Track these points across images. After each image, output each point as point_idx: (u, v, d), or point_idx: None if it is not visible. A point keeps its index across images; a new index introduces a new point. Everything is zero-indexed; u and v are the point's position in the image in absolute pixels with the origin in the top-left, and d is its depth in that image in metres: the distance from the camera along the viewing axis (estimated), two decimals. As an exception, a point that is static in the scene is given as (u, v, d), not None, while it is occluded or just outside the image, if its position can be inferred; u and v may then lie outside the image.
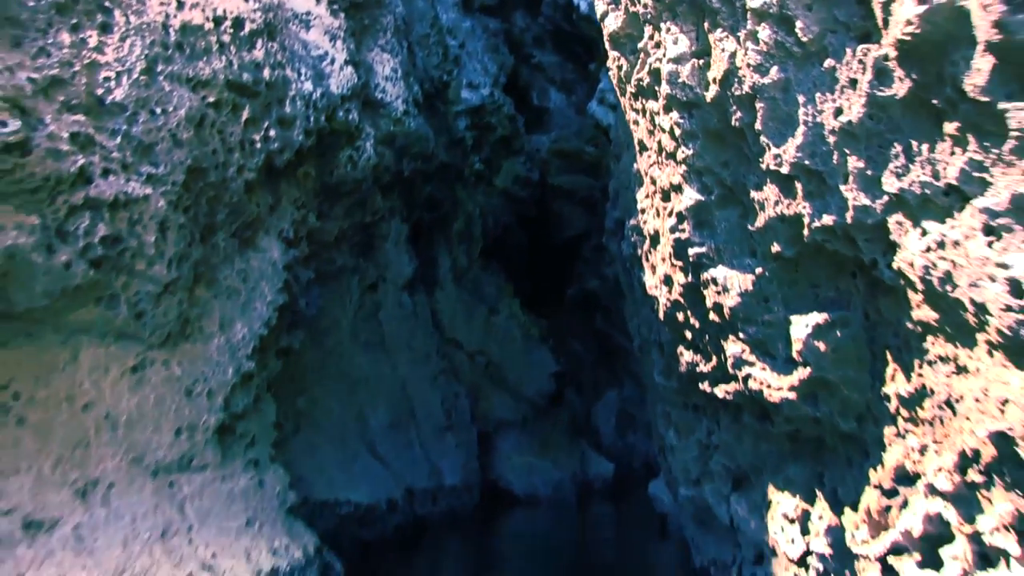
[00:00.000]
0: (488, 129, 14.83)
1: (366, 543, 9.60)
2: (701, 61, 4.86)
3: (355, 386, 10.76)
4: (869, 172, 3.90)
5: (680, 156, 5.16)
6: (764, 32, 4.18)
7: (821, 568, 5.48)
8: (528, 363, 13.81)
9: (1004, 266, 3.31)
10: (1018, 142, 3.11)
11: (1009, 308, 3.32)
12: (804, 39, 3.98)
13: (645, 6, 5.19)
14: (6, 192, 5.40)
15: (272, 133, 7.95)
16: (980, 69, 3.11)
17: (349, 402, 10.60)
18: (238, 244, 7.64)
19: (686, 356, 6.04)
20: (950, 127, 3.45)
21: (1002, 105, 3.10)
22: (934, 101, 3.46)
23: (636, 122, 5.94)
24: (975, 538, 4.24)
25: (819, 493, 5.36)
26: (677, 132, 5.11)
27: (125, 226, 6.11)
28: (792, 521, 5.69)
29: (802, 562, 5.67)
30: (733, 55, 4.47)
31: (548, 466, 13.46)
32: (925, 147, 3.61)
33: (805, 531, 5.58)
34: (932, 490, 4.40)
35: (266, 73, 7.91)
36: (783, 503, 5.75)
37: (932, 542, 4.50)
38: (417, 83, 11.62)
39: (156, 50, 6.73)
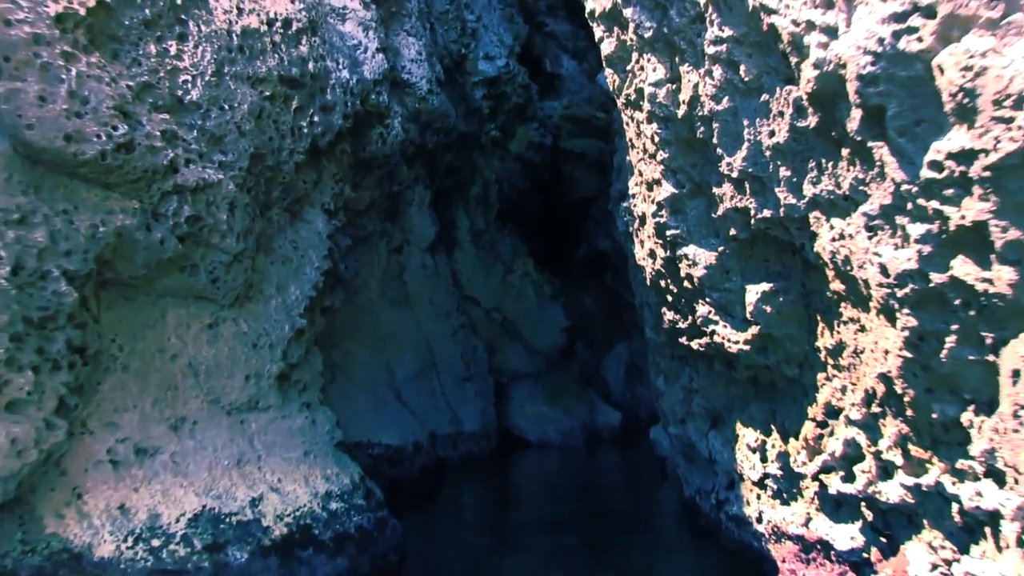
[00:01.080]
0: (504, 98, 16.18)
1: (395, 480, 11.19)
2: (673, 86, 6.25)
3: (383, 340, 12.32)
4: (794, 179, 5.33)
5: (659, 157, 6.59)
6: (717, 71, 5.57)
7: (775, 487, 7.02)
8: (541, 318, 15.35)
9: (877, 254, 4.76)
10: (880, 169, 4.54)
11: (881, 284, 4.78)
12: (746, 79, 5.37)
13: (631, 39, 6.57)
14: (116, 183, 6.88)
15: (316, 119, 9.38)
16: (853, 117, 4.52)
17: (378, 354, 12.16)
18: (289, 217, 9.13)
19: (668, 315, 7.52)
20: (844, 152, 4.87)
21: (869, 144, 4.52)
22: (832, 133, 4.87)
23: (627, 124, 7.35)
24: (877, 456, 5.74)
25: (773, 427, 6.88)
26: (656, 139, 6.53)
27: (203, 207, 7.59)
28: (754, 451, 7.21)
29: (761, 483, 7.21)
30: (696, 85, 5.86)
31: (559, 415, 15.04)
32: (830, 165, 5.04)
33: (763, 458, 7.11)
34: (849, 421, 5.90)
35: (311, 66, 9.30)
36: (747, 436, 7.27)
37: (850, 461, 6.02)
38: (439, 61, 12.99)
39: (223, 54, 8.14)
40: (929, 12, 4.16)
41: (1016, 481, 4.51)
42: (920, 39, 4.21)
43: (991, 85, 3.86)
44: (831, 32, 4.61)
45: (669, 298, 7.39)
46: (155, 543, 6.44)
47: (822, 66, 4.66)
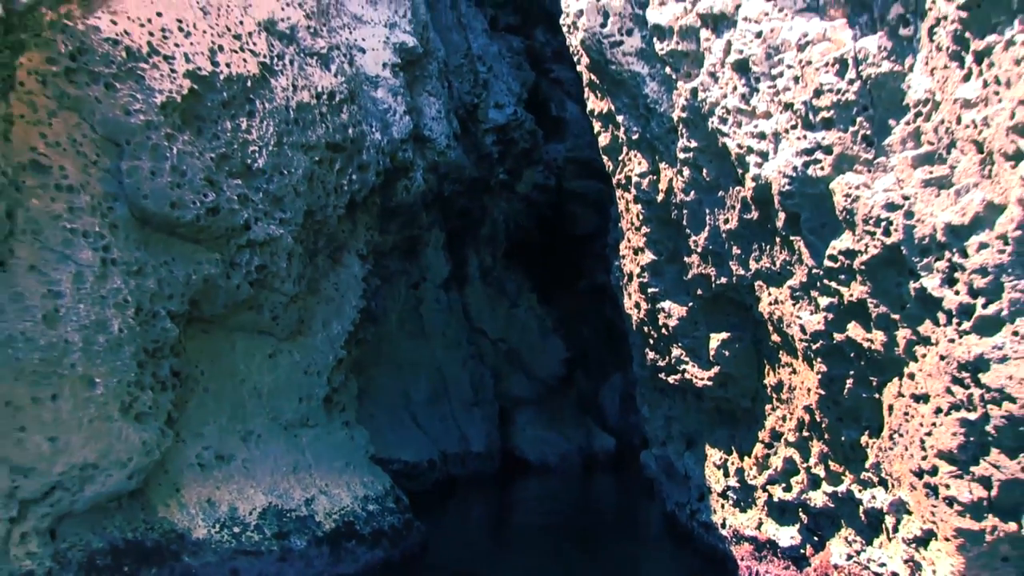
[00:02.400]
0: (512, 143, 18.22)
1: (412, 493, 13.09)
2: (654, 178, 8.25)
3: (401, 367, 14.27)
4: (743, 256, 7.33)
5: (643, 231, 8.59)
6: (686, 171, 7.57)
7: (734, 497, 8.97)
8: (543, 349, 17.32)
9: (799, 317, 6.75)
10: (799, 255, 6.54)
11: (802, 339, 6.77)
12: (707, 178, 7.37)
13: (622, 137, 8.58)
14: (204, 239, 8.85)
15: (354, 177, 11.37)
16: (780, 217, 6.53)
17: (397, 380, 14.11)
18: (331, 263, 11.12)
19: (650, 355, 9.49)
20: (777, 240, 6.88)
21: (791, 237, 6.52)
22: (768, 225, 6.88)
23: (619, 199, 9.36)
24: (807, 470, 7.71)
25: (732, 448, 8.84)
26: (641, 216, 8.53)
27: (268, 257, 9.57)
28: (718, 467, 9.17)
29: (724, 495, 9.16)
30: (671, 179, 7.87)
31: (558, 439, 16.97)
32: (768, 248, 7.04)
33: (725, 474, 9.07)
34: (787, 442, 7.87)
35: (350, 131, 11.30)
36: (713, 456, 9.23)
37: (788, 474, 7.98)
38: (456, 117, 15.02)
39: (282, 126, 10.13)
40: (827, 150, 6.16)
41: (894, 485, 6.48)
42: (822, 168, 6.21)
43: (862, 208, 5.86)
44: (763, 156, 6.62)
45: (651, 341, 9.38)
46: (236, 530, 8.39)
47: (758, 180, 6.67)
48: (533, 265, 18.55)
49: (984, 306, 5.17)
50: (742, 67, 6.69)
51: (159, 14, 9.07)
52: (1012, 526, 5.28)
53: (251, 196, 9.49)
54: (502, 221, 17.62)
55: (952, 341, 5.40)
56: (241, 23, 10.09)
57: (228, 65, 9.52)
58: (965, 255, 5.25)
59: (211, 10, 9.76)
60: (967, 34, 5.15)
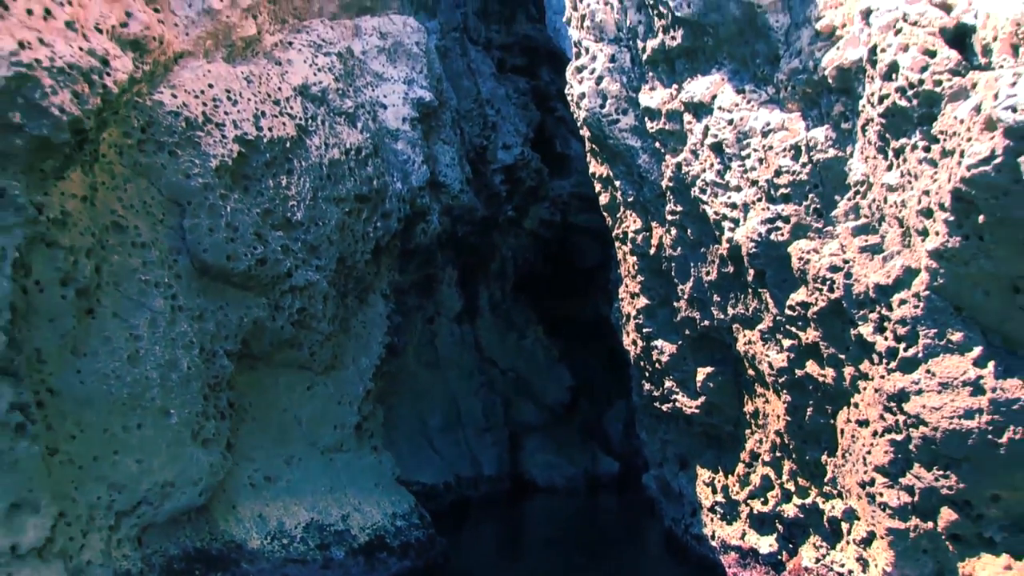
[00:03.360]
0: (519, 182, 19.81)
1: (431, 512, 14.61)
2: (647, 234, 9.85)
3: (419, 396, 15.80)
4: (722, 303, 8.91)
5: (638, 279, 10.18)
6: (674, 230, 9.17)
7: (721, 511, 10.49)
8: (549, 378, 18.86)
9: (767, 356, 8.32)
10: (766, 305, 8.12)
11: (770, 374, 8.34)
12: (691, 237, 8.98)
13: (619, 198, 10.19)
14: (253, 286, 10.43)
15: (379, 224, 12.96)
16: (749, 273, 8.12)
17: (414, 408, 15.65)
18: (359, 303, 12.70)
19: (647, 386, 11.04)
20: (749, 291, 8.45)
21: (759, 289, 8.11)
22: (742, 278, 8.46)
23: (618, 249, 10.97)
24: (781, 486, 9.25)
25: (719, 468, 10.38)
26: (636, 266, 10.13)
27: (307, 301, 11.15)
28: (707, 485, 10.71)
29: (712, 509, 10.68)
30: (661, 236, 9.46)
31: (564, 463, 18.46)
32: (742, 297, 8.61)
33: (713, 491, 10.60)
34: (763, 462, 9.42)
35: (375, 183, 12.90)
36: (703, 475, 10.77)
37: (765, 489, 9.51)
38: (468, 162, 16.64)
39: (317, 182, 11.72)
40: (786, 220, 7.75)
41: (846, 496, 8.01)
42: (782, 234, 7.80)
43: (812, 269, 7.44)
44: (735, 222, 8.22)
45: (647, 374, 10.94)
46: (284, 541, 9.94)
47: (731, 241, 8.27)
48: (540, 297, 20.11)
49: (905, 349, 6.74)
50: (717, 148, 8.30)
51: (211, 85, 10.70)
52: (930, 525, 6.82)
53: (292, 246, 11.08)
54: (510, 256, 19.20)
55: (883, 377, 6.97)
56: (279, 89, 11.74)
57: (270, 129, 11.14)
58: (890, 309, 6.82)
59: (254, 79, 11.41)
60: (887, 134, 6.74)
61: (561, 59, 23.74)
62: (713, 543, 10.67)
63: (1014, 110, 5.39)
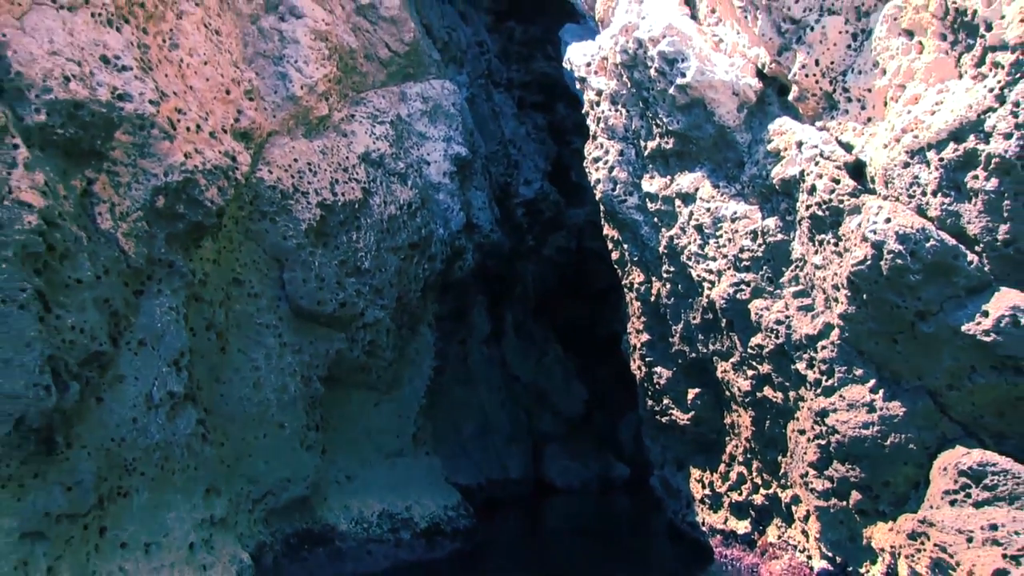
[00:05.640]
0: (539, 213, 23.41)
1: (466, 510, 18.23)
2: (648, 285, 13.44)
3: (454, 409, 19.36)
4: (705, 341, 12.51)
5: (641, 320, 13.82)
6: (668, 285, 12.78)
7: (709, 503, 14.09)
8: (567, 392, 22.48)
9: (736, 381, 11.94)
10: (734, 345, 11.72)
11: (737, 395, 11.95)
12: (682, 290, 12.59)
13: (626, 256, 13.84)
14: (334, 324, 14.03)
15: (426, 266, 16.56)
16: (722, 320, 11.71)
17: (450, 420, 19.22)
18: (411, 333, 16.32)
19: (649, 403, 14.64)
20: (723, 333, 12.05)
21: (730, 332, 11.70)
22: (719, 323, 12.07)
23: (626, 295, 14.60)
24: (751, 480, 12.85)
25: (707, 467, 13.99)
26: (639, 310, 13.76)
27: (375, 334, 14.76)
28: (698, 482, 14.31)
29: (702, 501, 14.28)
30: (659, 288, 13.08)
31: (580, 468, 22.05)
32: (719, 337, 12.22)
33: (703, 486, 14.20)
34: (738, 462, 13.02)
35: (423, 232, 16.50)
36: (695, 474, 14.38)
37: (740, 483, 13.11)
38: (496, 203, 20.25)
39: (379, 235, 15.30)
40: (748, 284, 11.35)
41: (793, 486, 11.60)
42: (744, 295, 11.39)
43: (764, 321, 11.04)
44: (712, 284, 11.84)
45: (649, 392, 14.55)
46: (365, 526, 13.58)
47: (709, 297, 11.89)
48: (557, 318, 23.72)
49: (826, 380, 10.33)
50: (699, 228, 11.91)
51: (295, 160, 14.28)
52: (844, 503, 10.40)
53: (362, 290, 14.68)
54: (531, 282, 22.80)
55: (812, 399, 10.56)
56: (347, 158, 15.33)
57: (343, 193, 14.73)
58: (816, 352, 10.42)
59: (327, 151, 15.01)
60: (813, 230, 10.34)
61: (576, 95, 27.35)
62: (703, 528, 14.25)
63: (874, 232, 9.01)
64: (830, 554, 10.76)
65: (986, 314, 8.56)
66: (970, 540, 8.53)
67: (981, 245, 8.68)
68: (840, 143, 10.20)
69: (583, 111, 14.75)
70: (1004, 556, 8.25)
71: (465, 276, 18.56)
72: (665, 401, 14.08)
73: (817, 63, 10.42)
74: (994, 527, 8.40)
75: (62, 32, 10.35)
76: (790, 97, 10.86)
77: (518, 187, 22.96)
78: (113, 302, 10.08)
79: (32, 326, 8.61)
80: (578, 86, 15.03)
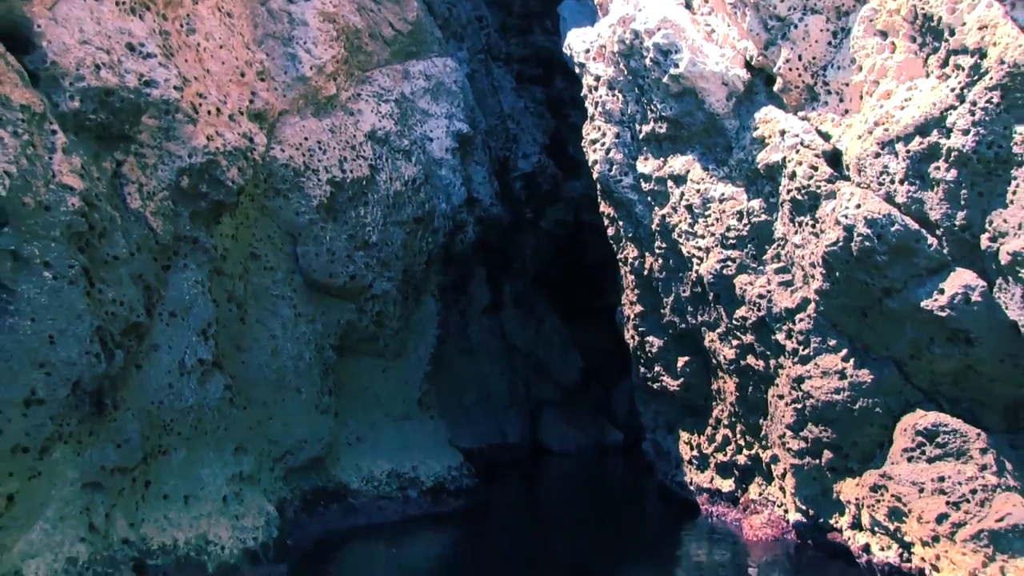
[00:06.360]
0: (537, 187, 24.46)
1: (466, 472, 19.44)
2: (642, 260, 14.55)
3: (455, 377, 20.53)
4: (693, 312, 13.65)
5: (635, 292, 14.95)
6: (660, 260, 13.91)
7: (696, 463, 15.30)
8: (564, 361, 23.68)
9: (722, 350, 13.10)
10: (720, 318, 12.87)
11: (722, 363, 13.11)
12: (673, 265, 13.70)
13: (621, 234, 14.94)
14: (345, 296, 15.13)
15: (429, 240, 17.64)
16: (710, 294, 12.85)
17: (452, 387, 20.39)
18: (416, 303, 17.44)
19: (642, 370, 15.80)
20: (711, 305, 13.20)
21: (716, 305, 12.85)
22: (706, 297, 13.21)
23: (621, 269, 15.71)
24: (735, 442, 14.05)
25: (695, 430, 15.19)
26: (633, 284, 14.88)
27: (383, 305, 15.87)
28: (687, 444, 15.52)
29: (690, 462, 15.49)
30: (652, 263, 14.19)
31: (576, 433, 23.28)
32: (706, 309, 13.35)
33: (691, 448, 15.40)
34: (724, 425, 14.22)
35: (427, 206, 17.56)
36: (684, 437, 15.58)
37: (724, 444, 14.30)
38: (496, 178, 21.31)
39: (385, 211, 16.37)
40: (733, 261, 12.47)
41: (772, 447, 12.78)
42: (730, 271, 12.52)
43: (748, 295, 12.17)
44: (700, 259, 12.96)
45: (642, 360, 15.72)
46: (375, 484, 14.78)
47: (698, 272, 13.01)
48: (555, 289, 24.86)
49: (803, 350, 11.48)
50: (689, 207, 13.02)
51: (306, 139, 15.30)
52: (817, 461, 11.59)
53: (370, 263, 15.77)
54: (529, 254, 23.91)
55: (791, 367, 11.72)
56: (354, 136, 16.36)
57: (351, 171, 15.78)
58: (794, 323, 11.56)
59: (336, 129, 16.03)
60: (793, 212, 11.44)
61: (574, 69, 28.31)
62: (691, 488, 15.47)
63: (846, 217, 10.13)
64: (804, 507, 11.97)
65: (942, 292, 9.70)
66: (921, 491, 9.75)
67: (941, 230, 9.81)
68: (819, 133, 11.29)
69: (582, 94, 15.77)
70: (947, 503, 9.48)
71: (466, 249, 19.64)
72: (656, 368, 15.25)
73: (800, 58, 11.49)
74: (942, 479, 9.62)
75: (90, 21, 11.27)
76: (775, 88, 11.93)
77: (517, 161, 23.98)
78: (146, 276, 11.14)
79: (81, 300, 9.66)
80: (577, 70, 16.01)
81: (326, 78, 16.14)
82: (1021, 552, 8.91)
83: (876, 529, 10.66)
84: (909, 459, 10.10)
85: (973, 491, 9.43)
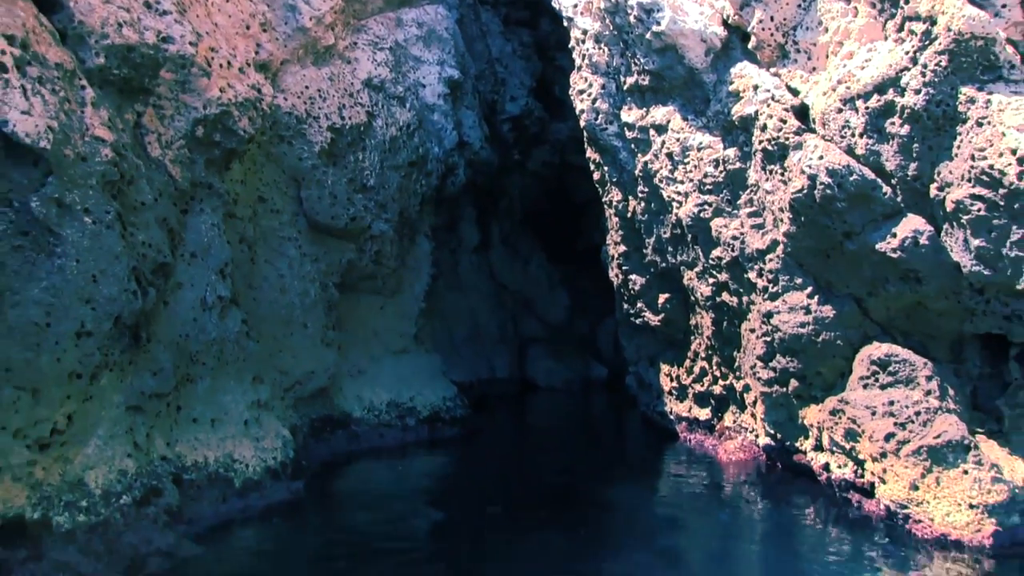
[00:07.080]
0: (524, 129, 25.56)
1: (458, 404, 20.84)
2: (625, 203, 15.78)
3: (446, 315, 21.85)
4: (673, 252, 14.95)
5: (619, 233, 16.20)
6: (642, 204, 15.15)
7: (676, 394, 16.72)
8: (551, 299, 25.04)
9: (699, 288, 14.44)
10: (698, 256, 14.18)
11: (700, 300, 14.45)
12: (654, 208, 14.96)
13: (606, 177, 16.16)
14: (346, 236, 16.33)
15: (423, 182, 18.80)
16: (689, 236, 14.13)
17: (443, 324, 21.71)
18: (411, 243, 18.67)
19: (625, 307, 17.12)
20: (689, 246, 14.50)
21: (695, 246, 14.14)
22: (685, 238, 14.51)
23: (606, 211, 16.95)
24: (711, 373, 15.44)
25: (675, 363, 16.58)
26: (617, 224, 16.14)
27: (381, 245, 17.09)
28: (667, 376, 16.92)
29: (670, 393, 16.91)
30: (634, 206, 15.42)
31: (562, 368, 24.70)
32: (686, 250, 14.65)
33: (671, 380, 16.81)
34: (701, 358, 15.61)
35: (420, 150, 18.69)
36: (664, 369, 16.97)
37: (701, 375, 15.70)
38: (485, 122, 22.43)
39: (383, 155, 17.51)
40: (710, 205, 13.74)
41: (744, 377, 14.17)
42: (707, 214, 13.79)
43: (723, 236, 13.47)
44: (680, 203, 14.22)
45: (625, 297, 17.05)
46: (376, 413, 16.16)
47: (677, 215, 14.28)
48: (542, 229, 26.10)
49: (772, 287, 12.81)
50: (670, 155, 14.26)
51: (307, 87, 16.39)
52: (784, 389, 12.98)
53: (369, 206, 16.96)
54: (517, 195, 25.10)
55: (761, 303, 13.05)
56: (352, 84, 17.45)
57: (350, 117, 16.89)
58: (764, 263, 12.88)
59: (335, 78, 17.12)
60: (764, 161, 12.70)
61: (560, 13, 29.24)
62: (671, 417, 16.91)
63: (810, 167, 11.41)
64: (772, 432, 13.42)
65: (895, 235, 11.03)
66: (873, 414, 11.16)
67: (895, 179, 11.10)
68: (789, 88, 12.52)
69: (570, 46, 16.91)
70: (895, 424, 10.89)
71: (456, 191, 20.82)
72: (639, 305, 16.60)
73: (772, 19, 12.68)
74: (891, 403, 11.03)
75: (108, -22, 12.29)
76: (750, 45, 13.12)
77: (504, 104, 25.06)
78: (169, 220, 12.32)
79: (118, 243, 10.85)
80: (565, 23, 17.10)
81: (325, 28, 17.14)
82: (954, 464, 10.34)
83: (834, 449, 12.09)
84: (864, 386, 11.49)
85: (917, 413, 10.84)
